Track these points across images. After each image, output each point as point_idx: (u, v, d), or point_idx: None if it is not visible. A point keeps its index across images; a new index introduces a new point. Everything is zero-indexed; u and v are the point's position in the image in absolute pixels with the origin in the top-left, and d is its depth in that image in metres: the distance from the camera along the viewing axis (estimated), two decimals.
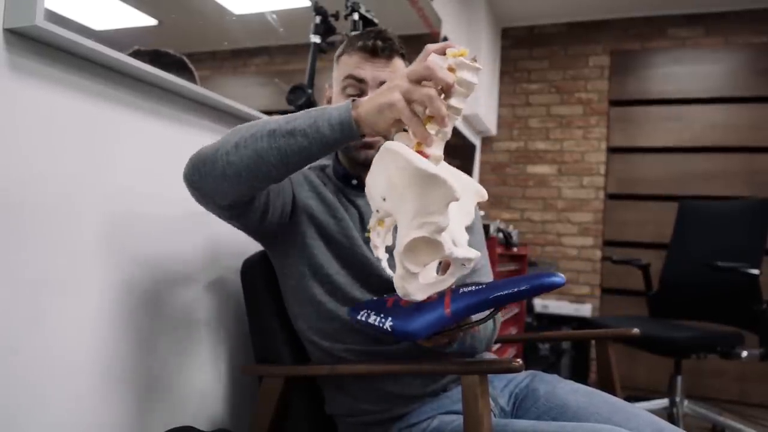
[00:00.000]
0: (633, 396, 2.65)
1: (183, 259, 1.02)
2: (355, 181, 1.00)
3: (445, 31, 2.55)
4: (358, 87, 0.93)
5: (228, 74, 1.14)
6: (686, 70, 3.09)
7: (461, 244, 0.67)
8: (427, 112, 0.65)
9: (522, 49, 3.41)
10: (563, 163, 3.33)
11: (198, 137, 1.06)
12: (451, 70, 0.64)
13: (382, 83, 0.92)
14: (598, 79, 3.27)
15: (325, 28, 1.34)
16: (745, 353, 2.05)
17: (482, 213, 2.12)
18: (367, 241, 0.93)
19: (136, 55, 0.88)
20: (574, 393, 0.90)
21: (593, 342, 1.16)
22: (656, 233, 3.02)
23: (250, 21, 1.20)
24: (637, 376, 2.98)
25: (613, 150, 3.24)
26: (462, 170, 0.78)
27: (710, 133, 3.03)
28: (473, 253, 0.66)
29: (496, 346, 1.33)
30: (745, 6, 2.99)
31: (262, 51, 1.25)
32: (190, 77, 1.01)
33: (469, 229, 0.79)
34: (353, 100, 0.71)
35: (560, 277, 0.64)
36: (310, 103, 1.29)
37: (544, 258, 3.31)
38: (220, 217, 0.85)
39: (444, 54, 0.66)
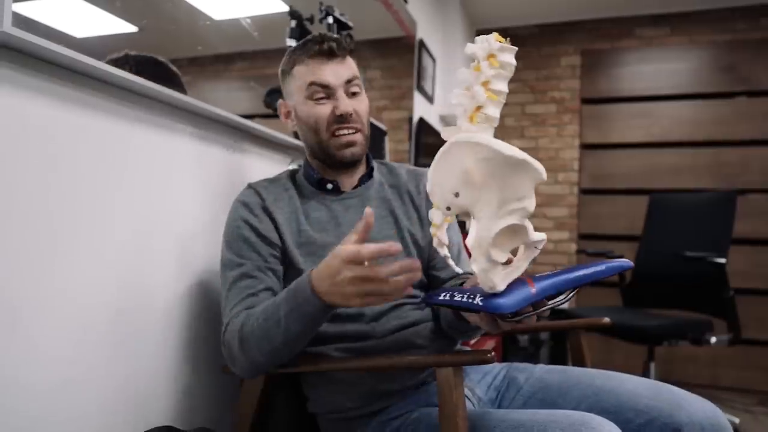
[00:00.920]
0: None
1: (162, 260, 1.03)
2: (330, 186, 1.02)
3: (420, 33, 2.60)
4: (325, 91, 0.96)
5: (210, 79, 1.16)
6: (654, 68, 3.19)
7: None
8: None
9: None
10: (538, 160, 3.38)
11: (178, 143, 1.06)
12: (492, 56, 0.64)
13: (348, 81, 0.97)
14: (570, 78, 3.36)
15: (301, 32, 1.37)
16: (714, 339, 2.12)
17: None
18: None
19: (125, 58, 0.89)
20: (550, 373, 0.95)
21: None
22: (628, 226, 3.11)
23: (228, 26, 1.22)
24: (613, 363, 3.06)
25: (585, 146, 3.33)
26: None
27: (678, 129, 3.13)
28: (542, 235, 0.66)
29: (475, 339, 1.37)
30: (708, 6, 3.10)
31: (240, 56, 1.28)
32: (181, 90, 1.02)
33: None
34: (313, 291, 0.77)
35: (629, 262, 0.73)
36: None
37: None
38: None
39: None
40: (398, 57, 2.42)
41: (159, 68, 1.00)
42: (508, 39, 0.65)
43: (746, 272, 2.85)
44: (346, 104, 0.96)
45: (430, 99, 2.80)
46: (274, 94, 1.30)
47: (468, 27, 3.38)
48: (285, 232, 0.96)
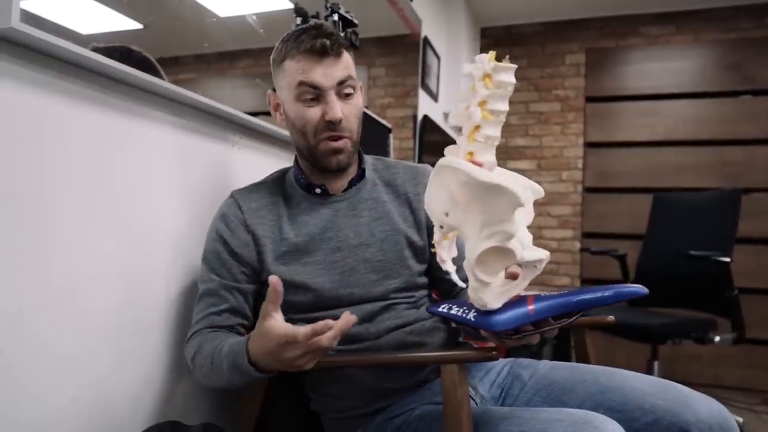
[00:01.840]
0: None
1: (161, 257, 1.03)
2: (318, 190, 0.99)
3: (425, 31, 2.60)
4: (314, 93, 0.91)
5: (215, 76, 1.17)
6: (658, 67, 3.17)
7: (528, 246, 0.66)
8: None
9: (501, 48, 3.46)
10: (542, 158, 3.40)
11: (170, 135, 1.05)
12: (487, 76, 0.64)
13: (340, 83, 0.91)
14: (575, 76, 3.35)
15: None
16: (717, 338, 2.11)
17: None
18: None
19: (95, 51, 0.84)
20: (554, 369, 0.94)
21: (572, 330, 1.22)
22: (632, 224, 3.10)
23: (233, 24, 1.23)
24: (616, 362, 3.06)
25: (590, 145, 3.32)
26: None
27: (682, 127, 3.12)
28: (543, 254, 0.66)
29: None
30: (714, 4, 3.08)
31: (246, 53, 1.28)
32: (157, 75, 0.98)
33: None
34: (253, 363, 0.77)
35: (643, 289, 0.67)
36: None
37: None
38: None
39: None
40: (403, 54, 2.42)
41: (132, 55, 0.94)
42: (507, 57, 0.65)
43: (750, 271, 2.84)
44: (336, 110, 0.90)
45: (434, 97, 2.80)
46: None
47: (473, 25, 3.38)
48: (265, 245, 0.94)
